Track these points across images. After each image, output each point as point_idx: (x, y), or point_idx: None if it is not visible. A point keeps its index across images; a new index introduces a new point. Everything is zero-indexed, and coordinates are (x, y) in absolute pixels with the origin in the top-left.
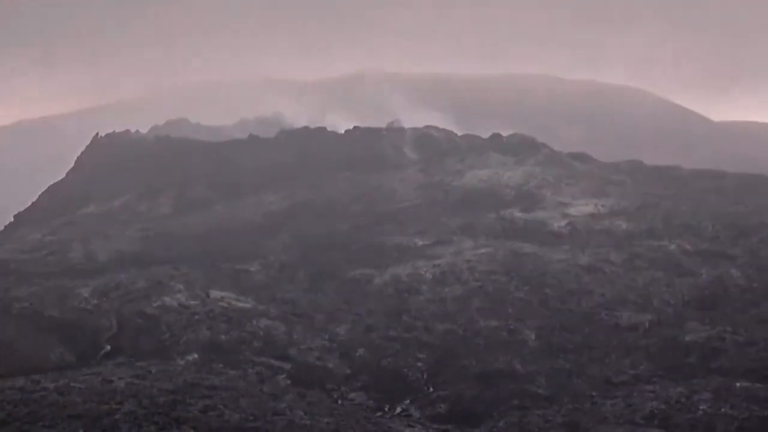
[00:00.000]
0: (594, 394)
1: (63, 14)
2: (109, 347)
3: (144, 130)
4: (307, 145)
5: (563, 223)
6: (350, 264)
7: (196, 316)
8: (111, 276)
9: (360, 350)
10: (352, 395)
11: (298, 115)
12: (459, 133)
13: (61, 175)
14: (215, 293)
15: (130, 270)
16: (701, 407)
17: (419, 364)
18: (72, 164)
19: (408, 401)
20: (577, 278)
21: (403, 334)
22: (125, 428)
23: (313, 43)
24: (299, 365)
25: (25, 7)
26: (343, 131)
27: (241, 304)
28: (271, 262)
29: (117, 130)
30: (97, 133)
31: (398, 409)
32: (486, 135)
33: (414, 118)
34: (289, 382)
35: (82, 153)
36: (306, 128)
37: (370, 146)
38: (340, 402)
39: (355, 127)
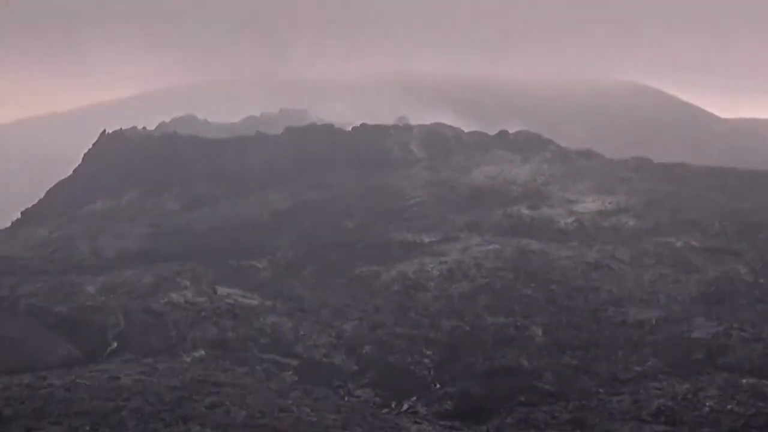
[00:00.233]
0: (601, 390)
1: (70, 11)
2: (115, 344)
3: (151, 127)
4: (314, 142)
5: (570, 219)
6: (357, 261)
7: (203, 313)
8: (118, 272)
9: (367, 347)
10: (358, 392)
11: (305, 113)
12: (466, 130)
13: (68, 172)
14: (222, 290)
15: (137, 266)
16: (708, 404)
17: (426, 360)
18: (79, 161)
19: (415, 398)
20: (584, 275)
21: (409, 330)
22: (132, 425)
23: (320, 41)
24: (306, 362)
25: (32, 4)
26: (350, 128)
27: (247, 301)
28: (277, 258)
29: (124, 127)
30: (105, 130)
31: (405, 406)
32: (493, 132)
33: (421, 116)
34: (295, 378)
35: (89, 150)
36: (313, 125)
37: (377, 143)
38: (346, 399)
39: (362, 125)
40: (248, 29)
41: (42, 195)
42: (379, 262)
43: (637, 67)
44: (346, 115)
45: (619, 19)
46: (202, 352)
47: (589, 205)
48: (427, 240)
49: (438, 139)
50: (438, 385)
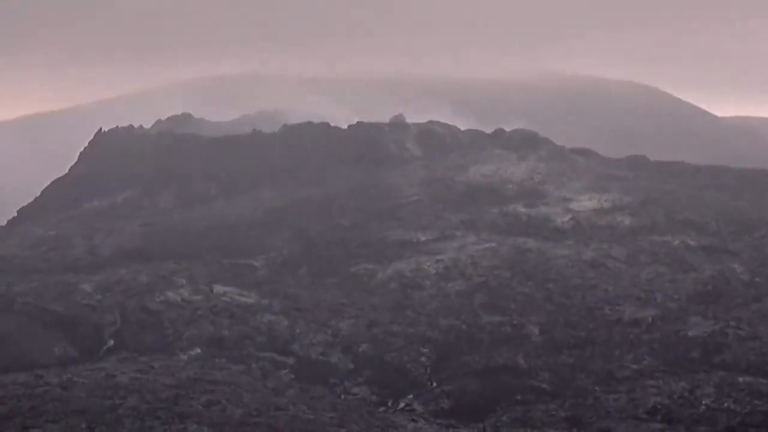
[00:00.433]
0: (597, 388)
1: (68, 11)
2: (112, 342)
3: (147, 126)
4: (310, 140)
5: (566, 218)
6: (353, 259)
7: (199, 311)
8: (114, 271)
9: (363, 345)
10: (355, 390)
11: (301, 111)
12: (462, 128)
13: (64, 170)
14: (218, 288)
15: (133, 265)
16: (704, 402)
17: (422, 359)
18: (75, 159)
19: (411, 396)
20: (580, 273)
21: (406, 329)
22: (128, 423)
23: (316, 40)
24: (302, 360)
25: (30, 4)
26: (346, 126)
27: (243, 299)
28: (273, 257)
29: (120, 125)
30: (100, 129)
31: (401, 404)
32: (489, 130)
33: (417, 114)
34: (292, 377)
35: (85, 148)
36: (309, 123)
37: (373, 141)
38: (343, 397)
39: (357, 123)
40: (245, 28)
41: (38, 193)
42: (375, 260)
43: (633, 66)
44: (342, 113)
45: (615, 18)
46: (199, 351)
47: (585, 203)
48: (423, 238)
49: (434, 137)
50: (434, 384)
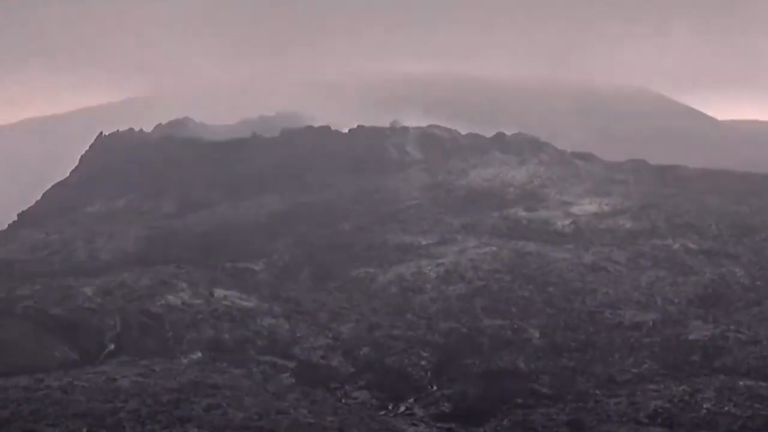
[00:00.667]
0: (598, 392)
1: (67, 13)
2: (113, 346)
3: (148, 130)
4: (311, 144)
5: (567, 222)
6: (354, 263)
7: (200, 315)
8: (115, 275)
9: (364, 349)
10: (355, 394)
11: (302, 115)
12: (462, 133)
13: (65, 174)
14: (219, 292)
15: (134, 269)
16: (705, 406)
17: (423, 362)
18: (76, 163)
19: (412, 400)
20: (580, 277)
21: (407, 332)
22: (129, 427)
23: (316, 42)
24: (303, 364)
25: (30, 6)
26: (346, 130)
27: (244, 303)
28: (274, 261)
29: (121, 129)
30: (101, 132)
31: (402, 408)
32: (489, 134)
33: (417, 118)
34: (293, 380)
35: (86, 152)
36: (309, 128)
37: (374, 145)
38: (343, 401)
39: (358, 127)
40: (245, 31)
41: (39, 197)
42: (376, 264)
43: (634, 70)
44: (342, 117)
45: (615, 22)
46: (199, 354)
47: (586, 207)
48: (423, 242)
49: (434, 141)
50: (435, 387)
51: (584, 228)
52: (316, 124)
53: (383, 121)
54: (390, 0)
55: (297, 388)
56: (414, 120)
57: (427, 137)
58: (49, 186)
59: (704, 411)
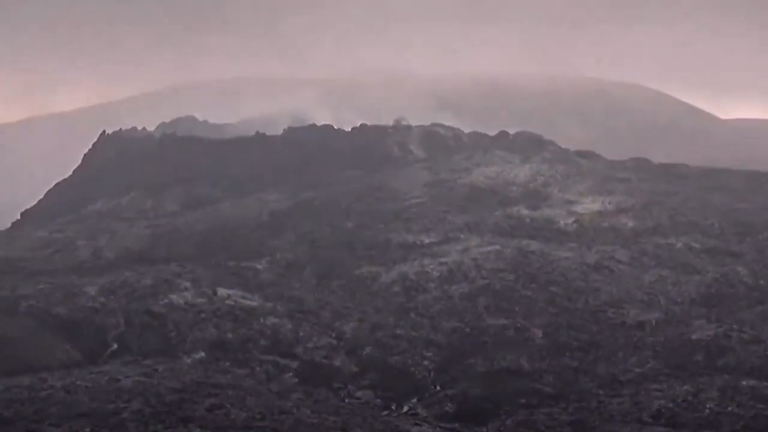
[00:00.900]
0: (601, 392)
1: (72, 13)
2: (116, 345)
3: (151, 128)
4: (314, 142)
5: (570, 220)
6: (357, 262)
7: (203, 315)
8: (118, 274)
9: (367, 348)
10: (359, 393)
11: (305, 113)
12: (465, 131)
13: (68, 173)
14: (222, 291)
15: (137, 268)
16: (708, 405)
17: (426, 362)
18: (79, 161)
19: (415, 400)
20: (583, 276)
21: (410, 332)
22: (132, 427)
23: (320, 41)
24: (306, 363)
25: (31, 4)
26: (349, 129)
27: (247, 302)
28: (277, 260)
29: (124, 128)
30: (104, 131)
31: (405, 408)
32: (492, 133)
33: (420, 116)
34: (295, 380)
35: (89, 150)
36: (312, 126)
37: (377, 144)
38: (346, 400)
39: (361, 125)
40: (248, 29)
41: (42, 196)
42: (379, 263)
43: (637, 68)
44: (345, 115)
45: (618, 20)
46: (202, 354)
47: (589, 205)
48: (426, 241)
49: (437, 139)
50: (438, 387)
51: (587, 226)
52: (319, 123)
53: (386, 120)
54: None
55: (300, 387)
56: (417, 118)
57: (431, 135)
58: (52, 184)
59: (707, 411)
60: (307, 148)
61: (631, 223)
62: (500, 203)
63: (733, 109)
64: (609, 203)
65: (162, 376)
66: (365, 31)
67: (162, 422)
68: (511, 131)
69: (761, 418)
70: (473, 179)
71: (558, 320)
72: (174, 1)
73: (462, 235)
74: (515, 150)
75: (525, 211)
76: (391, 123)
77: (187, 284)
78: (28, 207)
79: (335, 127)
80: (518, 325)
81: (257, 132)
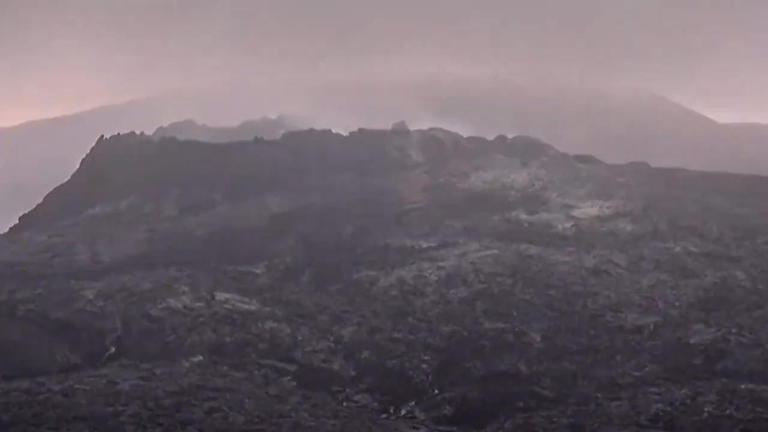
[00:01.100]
0: (599, 395)
1: (68, 17)
2: (114, 349)
3: (149, 132)
4: (312, 147)
5: (568, 225)
6: (355, 266)
7: (201, 318)
8: (116, 278)
9: (365, 352)
10: (357, 397)
11: (304, 117)
12: (464, 135)
13: (66, 177)
14: (220, 295)
15: (135, 272)
16: (706, 409)
17: (424, 365)
18: (77, 166)
19: (413, 403)
20: (582, 280)
21: (408, 335)
22: (130, 430)
23: (317, 46)
24: (304, 367)
25: (30, 9)
26: (348, 133)
27: (245, 306)
28: (276, 264)
29: (122, 132)
30: (102, 135)
31: (403, 411)
32: (491, 137)
33: (419, 121)
34: (294, 384)
35: (87, 155)
36: (311, 130)
37: (375, 148)
38: (345, 404)
39: (360, 129)
40: (247, 33)
41: (40, 200)
42: (378, 267)
43: (636, 72)
44: (344, 120)
45: (617, 24)
46: (201, 358)
47: (587, 210)
48: (425, 245)
49: (436, 144)
50: (436, 391)
51: (586, 231)
52: (317, 127)
53: (385, 124)
54: (391, 2)
55: (298, 391)
56: (416, 123)
57: (429, 140)
58: (51, 189)
59: (706, 414)
60: (306, 152)
61: (629, 228)
62: (499, 207)
63: (732, 113)
64: (608, 207)
65: (160, 380)
66: (364, 34)
67: (160, 426)
68: (510, 135)
69: (760, 421)
70: (472, 184)
71: (556, 324)
72: (171, 5)
73: (460, 240)
74: (514, 154)
75: (523, 216)
76: (389, 127)
77: (186, 288)
78: (27, 211)
79: (334, 132)
80: (516, 329)
81: (256, 136)
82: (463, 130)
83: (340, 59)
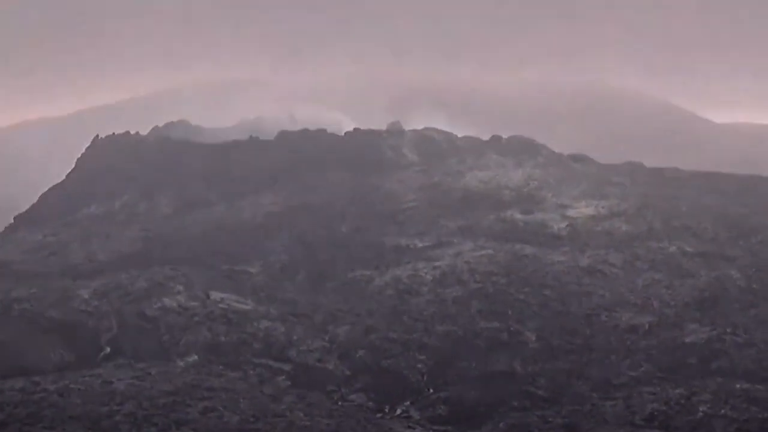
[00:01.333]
0: (594, 395)
1: (63, 15)
2: (109, 349)
3: (144, 132)
4: (307, 146)
5: (563, 224)
6: (350, 265)
7: (196, 318)
8: (111, 277)
9: (360, 351)
10: (352, 397)
11: (299, 117)
12: (459, 135)
13: (61, 177)
14: (215, 294)
15: (130, 271)
16: (701, 409)
17: (419, 365)
18: (72, 165)
19: (408, 403)
20: (577, 280)
21: (403, 335)
22: (125, 429)
23: (313, 45)
24: (299, 366)
25: (26, 7)
26: (342, 133)
27: (240, 306)
28: (270, 263)
29: (117, 132)
30: (97, 135)
31: (398, 411)
32: (486, 136)
33: (414, 120)
34: (288, 383)
35: (82, 154)
36: (306, 130)
37: (370, 148)
38: (339, 403)
39: (355, 129)
40: (242, 33)
41: (35, 200)
42: (373, 266)
43: (630, 72)
44: (339, 119)
45: (611, 24)
46: (195, 357)
47: (582, 209)
48: (420, 245)
49: (431, 143)
50: (431, 390)
51: (580, 230)
52: (312, 127)
53: (380, 124)
54: (387, 3)
55: (293, 391)
56: (411, 122)
57: (424, 139)
58: (46, 188)
59: (701, 414)
60: (301, 151)
61: (624, 227)
62: (494, 207)
63: (727, 113)
64: (602, 207)
65: (155, 379)
66: (359, 35)
67: (155, 425)
68: (505, 135)
69: (755, 421)
70: (467, 183)
71: (551, 324)
72: (167, 4)
73: (455, 239)
74: (508, 154)
75: (518, 215)
76: (384, 127)
77: (181, 287)
78: (22, 211)
79: (328, 131)
80: (511, 328)
81: (251, 136)
82: (458, 130)
83: (336, 59)
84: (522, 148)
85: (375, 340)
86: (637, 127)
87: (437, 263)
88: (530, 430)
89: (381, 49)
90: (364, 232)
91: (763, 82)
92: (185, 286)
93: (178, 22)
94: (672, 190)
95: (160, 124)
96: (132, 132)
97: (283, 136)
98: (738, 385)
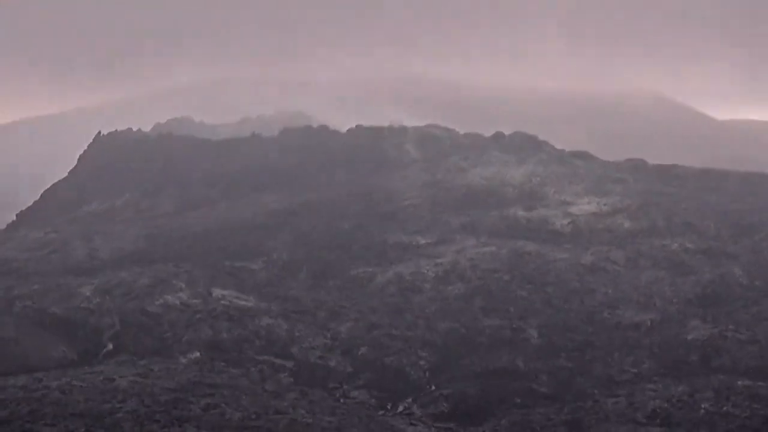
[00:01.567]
0: (596, 392)
1: (66, 13)
2: (111, 345)
3: (146, 129)
4: (310, 143)
5: (565, 221)
6: (352, 262)
7: (198, 315)
8: (113, 274)
9: (362, 348)
10: (354, 394)
11: (301, 114)
12: (461, 132)
13: (64, 174)
14: (217, 291)
15: (132, 268)
16: (703, 406)
17: (422, 362)
18: (74, 163)
19: (410, 400)
20: (579, 277)
21: (405, 332)
22: (127, 427)
23: (316, 42)
24: (301, 363)
25: (29, 6)
26: (345, 130)
27: (243, 303)
28: (273, 260)
29: (119, 129)
30: (100, 132)
31: (400, 408)
32: (488, 133)
33: (416, 117)
34: (291, 380)
35: (85, 151)
36: (308, 127)
37: (373, 145)
38: (342, 400)
39: (357, 126)
40: (245, 31)
41: (37, 197)
42: (375, 263)
43: (633, 70)
44: (341, 117)
45: (613, 22)
46: (198, 354)
47: (585, 206)
48: (422, 241)
49: (433, 140)
50: (433, 387)
51: (583, 227)
52: (315, 124)
53: (382, 121)
54: (391, 2)
55: (295, 387)
56: (413, 119)
57: (426, 136)
58: (48, 185)
59: (703, 411)
60: (303, 149)
61: (626, 224)
62: (496, 204)
63: (729, 110)
64: (605, 204)
65: (157, 376)
66: (362, 32)
67: (157, 422)
68: (507, 132)
69: (757, 418)
70: (469, 180)
71: (553, 321)
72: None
73: (458, 236)
74: (511, 151)
75: (521, 212)
76: (386, 124)
77: (183, 284)
78: (24, 208)
79: (331, 128)
80: (514, 325)
81: (253, 133)
82: (460, 127)
83: (338, 57)
84: (524, 145)
85: (377, 337)
86: (639, 124)
87: (439, 260)
88: (532, 426)
89: (384, 46)
90: (366, 229)
91: (765, 79)
92: (187, 283)
93: (182, 18)
94: (674, 187)
95: (163, 121)
96: (134, 129)
97: (286, 133)
98: (740, 382)
